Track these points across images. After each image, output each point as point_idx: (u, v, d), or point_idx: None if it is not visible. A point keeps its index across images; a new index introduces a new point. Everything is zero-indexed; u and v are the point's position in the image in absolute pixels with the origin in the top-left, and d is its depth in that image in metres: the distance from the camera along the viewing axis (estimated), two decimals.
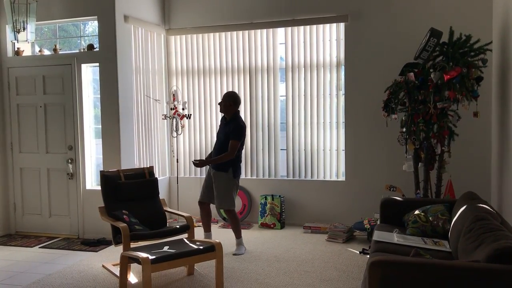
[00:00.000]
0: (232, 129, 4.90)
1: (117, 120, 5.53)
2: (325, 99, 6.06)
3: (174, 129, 6.30)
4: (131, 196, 4.66)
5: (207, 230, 5.22)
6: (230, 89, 6.37)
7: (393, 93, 4.88)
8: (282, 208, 6.02)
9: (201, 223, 6.19)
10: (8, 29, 5.72)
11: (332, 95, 6.04)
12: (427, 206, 4.05)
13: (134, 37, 5.85)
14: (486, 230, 2.78)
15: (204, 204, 5.15)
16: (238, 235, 5.04)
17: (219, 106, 5.07)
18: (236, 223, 5.03)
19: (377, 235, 3.80)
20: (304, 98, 6.14)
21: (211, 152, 5.25)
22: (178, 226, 4.49)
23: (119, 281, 4.01)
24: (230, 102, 4.97)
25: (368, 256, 4.56)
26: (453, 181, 4.99)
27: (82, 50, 5.80)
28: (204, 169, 6.52)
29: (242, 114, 6.33)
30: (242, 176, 6.33)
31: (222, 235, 5.56)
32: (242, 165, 6.33)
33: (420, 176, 4.95)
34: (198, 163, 4.93)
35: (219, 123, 5.30)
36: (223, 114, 5.12)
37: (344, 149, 5.99)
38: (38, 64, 5.83)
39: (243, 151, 6.34)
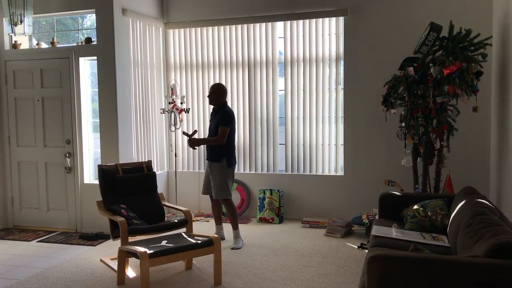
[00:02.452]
0: (220, 116, 5.00)
1: (115, 114, 5.51)
2: (324, 94, 6.04)
3: (173, 123, 6.28)
4: (129, 190, 4.65)
5: (218, 223, 5.28)
6: (229, 83, 6.35)
7: (392, 87, 4.86)
8: (280, 202, 6.02)
9: (199, 218, 6.23)
10: (5, 22, 5.67)
11: (331, 90, 6.02)
12: (425, 201, 4.04)
13: (132, 30, 5.82)
14: (485, 225, 2.77)
15: (211, 197, 5.24)
16: (235, 226, 5.05)
17: (208, 96, 5.14)
18: (233, 213, 5.05)
19: (376, 230, 3.80)
20: (303, 92, 6.12)
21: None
22: (176, 221, 4.49)
23: (117, 275, 4.01)
24: (220, 92, 5.10)
25: (366, 250, 4.56)
26: (452, 176, 4.98)
27: (80, 44, 5.76)
28: (204, 163, 6.52)
29: (240, 108, 6.34)
30: (241, 170, 6.37)
31: None
32: (241, 159, 6.37)
33: (419, 171, 4.94)
34: (190, 142, 4.97)
35: None
36: (212, 108, 5.21)
37: (343, 143, 5.98)
38: (36, 57, 5.79)
39: (241, 143, 6.36)
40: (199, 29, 6.44)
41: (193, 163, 6.63)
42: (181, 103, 6.29)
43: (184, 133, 5.13)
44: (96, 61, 5.59)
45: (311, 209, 6.08)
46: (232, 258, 4.61)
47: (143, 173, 4.83)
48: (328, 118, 6.05)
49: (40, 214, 5.93)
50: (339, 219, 5.56)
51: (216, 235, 4.00)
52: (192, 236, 4.10)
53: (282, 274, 4.18)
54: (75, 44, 5.81)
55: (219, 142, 4.95)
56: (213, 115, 5.16)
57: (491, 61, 5.04)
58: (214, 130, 5.04)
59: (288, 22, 6.08)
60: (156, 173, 5.02)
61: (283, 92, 6.22)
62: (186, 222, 4.42)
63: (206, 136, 5.45)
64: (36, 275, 4.23)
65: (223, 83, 6.35)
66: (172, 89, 6.28)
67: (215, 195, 5.05)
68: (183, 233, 4.23)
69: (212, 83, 6.44)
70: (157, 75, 6.45)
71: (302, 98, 6.13)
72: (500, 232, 2.58)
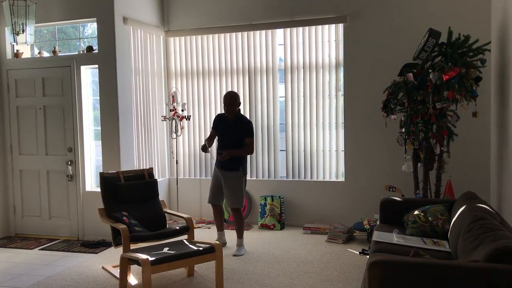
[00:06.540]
0: (244, 128, 5.01)
1: (117, 121, 5.53)
2: (324, 100, 6.07)
3: (174, 130, 6.30)
4: (131, 198, 4.66)
5: (220, 229, 5.29)
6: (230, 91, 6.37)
7: (392, 93, 4.88)
8: (282, 209, 6.02)
9: (201, 225, 6.23)
10: (7, 31, 5.72)
11: (331, 96, 6.05)
12: (426, 206, 4.05)
13: (133, 38, 5.85)
14: (485, 230, 2.78)
15: (216, 205, 5.23)
16: (240, 235, 5.05)
17: (227, 108, 4.98)
18: (241, 222, 5.06)
19: (377, 236, 3.80)
20: (303, 99, 6.14)
21: (205, 142, 5.10)
22: (177, 228, 4.49)
23: (119, 282, 4.01)
24: (238, 102, 5.08)
25: (367, 256, 4.56)
26: (452, 181, 4.99)
27: (81, 52, 5.80)
28: (208, 171, 6.54)
29: None
30: None
31: None
32: None
33: (420, 176, 4.95)
34: (224, 155, 4.89)
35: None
36: (218, 114, 5.22)
37: (343, 149, 5.99)
38: (38, 66, 5.83)
39: None
40: (199, 37, 6.48)
41: (194, 170, 6.64)
42: (182, 110, 6.32)
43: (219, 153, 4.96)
44: (97, 69, 5.62)
45: (313, 215, 6.09)
46: (234, 265, 4.61)
47: (144, 180, 4.85)
48: (328, 124, 6.07)
49: (42, 222, 5.94)
50: (341, 225, 5.56)
51: (217, 242, 4.01)
52: (193, 243, 4.10)
53: (284, 280, 4.18)
54: (77, 53, 5.85)
55: (250, 153, 5.06)
56: (227, 124, 5.01)
57: (490, 67, 5.06)
58: (237, 140, 4.95)
59: (288, 29, 6.11)
60: (158, 180, 5.03)
61: (284, 98, 6.25)
62: (187, 229, 4.43)
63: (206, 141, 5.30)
64: (38, 283, 4.24)
65: (224, 90, 6.38)
66: (173, 96, 6.30)
67: (231, 204, 5.03)
68: (184, 240, 4.24)
69: (213, 90, 6.49)
70: (158, 82, 6.48)
71: (302, 105, 6.15)
72: (501, 237, 2.59)
